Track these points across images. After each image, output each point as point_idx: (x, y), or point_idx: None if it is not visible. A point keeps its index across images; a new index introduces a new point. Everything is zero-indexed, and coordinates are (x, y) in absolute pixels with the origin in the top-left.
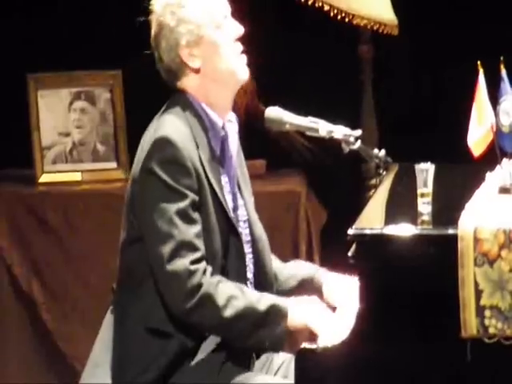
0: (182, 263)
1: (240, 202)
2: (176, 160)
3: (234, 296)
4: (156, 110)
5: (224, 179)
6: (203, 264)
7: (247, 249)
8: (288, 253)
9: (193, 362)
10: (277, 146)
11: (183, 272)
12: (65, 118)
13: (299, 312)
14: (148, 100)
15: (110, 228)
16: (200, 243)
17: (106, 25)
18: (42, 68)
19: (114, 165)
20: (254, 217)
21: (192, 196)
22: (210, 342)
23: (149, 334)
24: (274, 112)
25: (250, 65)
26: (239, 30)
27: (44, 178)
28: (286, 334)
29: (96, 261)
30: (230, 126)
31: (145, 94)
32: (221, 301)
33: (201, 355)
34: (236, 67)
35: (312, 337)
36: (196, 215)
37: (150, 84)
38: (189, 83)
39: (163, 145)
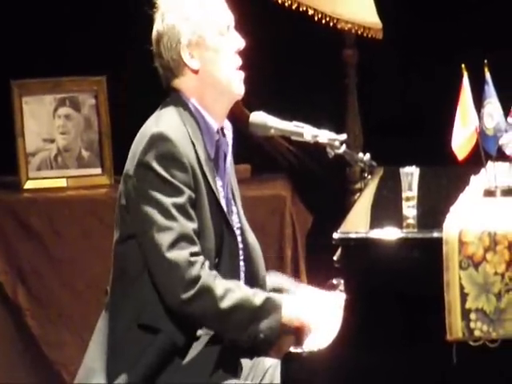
0: (181, 253)
1: (233, 208)
2: (173, 156)
3: (231, 288)
4: (141, 116)
5: (218, 183)
6: (202, 257)
7: (240, 255)
8: (273, 257)
9: (183, 362)
10: (261, 151)
11: (182, 262)
12: (49, 125)
13: (293, 306)
14: (133, 106)
15: (96, 234)
16: (197, 240)
17: (90, 31)
18: (26, 74)
19: (98, 171)
20: (246, 225)
21: (188, 192)
22: (201, 342)
23: (140, 331)
24: (258, 117)
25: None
26: (241, 43)
27: (29, 185)
28: (280, 326)
29: (81, 267)
30: (226, 133)
31: (130, 100)
32: (218, 292)
33: (191, 355)
34: (233, 80)
35: (299, 337)
36: (192, 212)
37: (135, 90)
38: (186, 83)
39: (160, 140)
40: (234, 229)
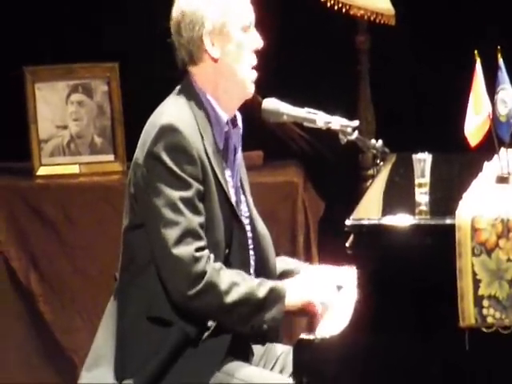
0: (187, 249)
1: (242, 198)
2: (182, 148)
3: (236, 282)
4: (153, 103)
5: (227, 173)
6: (207, 251)
7: (249, 245)
8: (285, 244)
9: (195, 351)
10: (274, 137)
11: (188, 258)
12: (62, 111)
13: (296, 290)
14: (145, 93)
15: (108, 220)
16: (203, 234)
17: (103, 17)
18: (39, 61)
19: (111, 157)
20: (256, 215)
21: (196, 185)
22: (212, 331)
23: (150, 323)
24: (271, 103)
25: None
26: (260, 42)
27: (42, 171)
28: (283, 315)
29: (94, 253)
30: (237, 124)
31: (142, 86)
32: (223, 287)
33: (203, 344)
34: (247, 78)
35: (311, 323)
36: (200, 205)
37: (148, 77)
38: (202, 70)
39: (170, 132)
40: (243, 218)
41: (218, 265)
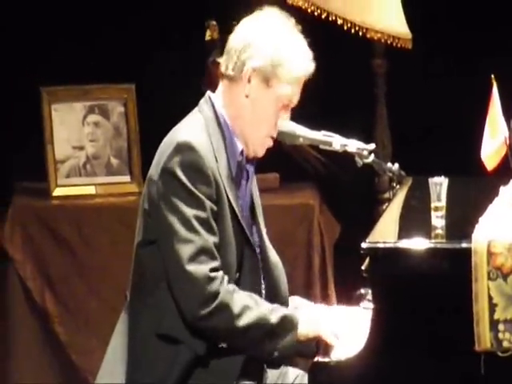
0: (201, 269)
1: (253, 228)
2: (198, 167)
3: (248, 306)
4: (169, 124)
5: (239, 201)
6: (221, 272)
7: (260, 273)
8: (301, 266)
9: (207, 371)
10: (290, 160)
11: (202, 277)
12: (78, 132)
13: (309, 322)
14: (161, 114)
15: (123, 241)
16: (217, 254)
17: (120, 38)
18: (55, 81)
19: (127, 178)
20: (269, 244)
21: (211, 205)
22: (224, 352)
23: (160, 341)
24: (287, 126)
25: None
26: (294, 101)
27: (58, 192)
28: (294, 345)
29: (109, 274)
30: (249, 163)
31: (158, 107)
32: (235, 310)
33: (215, 364)
34: (259, 143)
35: (325, 348)
36: (215, 225)
37: (164, 98)
38: (231, 93)
39: (186, 149)
40: (255, 247)
41: (232, 286)
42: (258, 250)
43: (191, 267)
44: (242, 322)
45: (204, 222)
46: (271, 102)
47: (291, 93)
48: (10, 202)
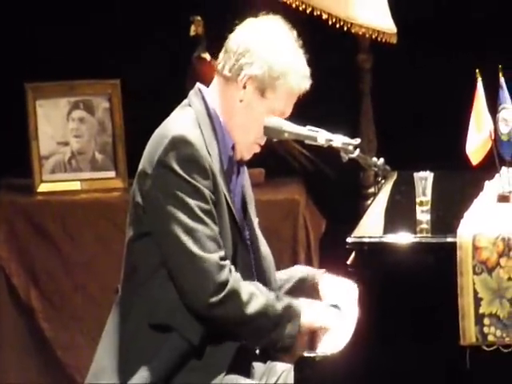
0: (212, 257)
1: (244, 222)
2: (194, 159)
3: (255, 293)
4: (154, 119)
5: (231, 195)
6: (228, 261)
7: (252, 266)
8: (287, 261)
9: (197, 363)
10: (275, 155)
11: (213, 266)
12: (63, 128)
13: (311, 312)
14: (146, 109)
15: (109, 237)
16: (222, 244)
17: (105, 34)
18: (40, 77)
19: (112, 174)
20: (260, 236)
21: (211, 196)
22: (215, 344)
23: (152, 331)
24: (272, 121)
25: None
26: (286, 113)
27: (42, 188)
28: (297, 334)
29: (94, 269)
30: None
31: (143, 103)
32: (244, 297)
33: (205, 356)
34: (247, 147)
35: (312, 342)
36: (216, 216)
37: (149, 93)
38: (226, 93)
39: (182, 143)
40: (246, 240)
41: (238, 275)
42: (248, 243)
43: (201, 256)
44: (251, 309)
45: (208, 213)
46: (263, 113)
47: (284, 106)
48: None
